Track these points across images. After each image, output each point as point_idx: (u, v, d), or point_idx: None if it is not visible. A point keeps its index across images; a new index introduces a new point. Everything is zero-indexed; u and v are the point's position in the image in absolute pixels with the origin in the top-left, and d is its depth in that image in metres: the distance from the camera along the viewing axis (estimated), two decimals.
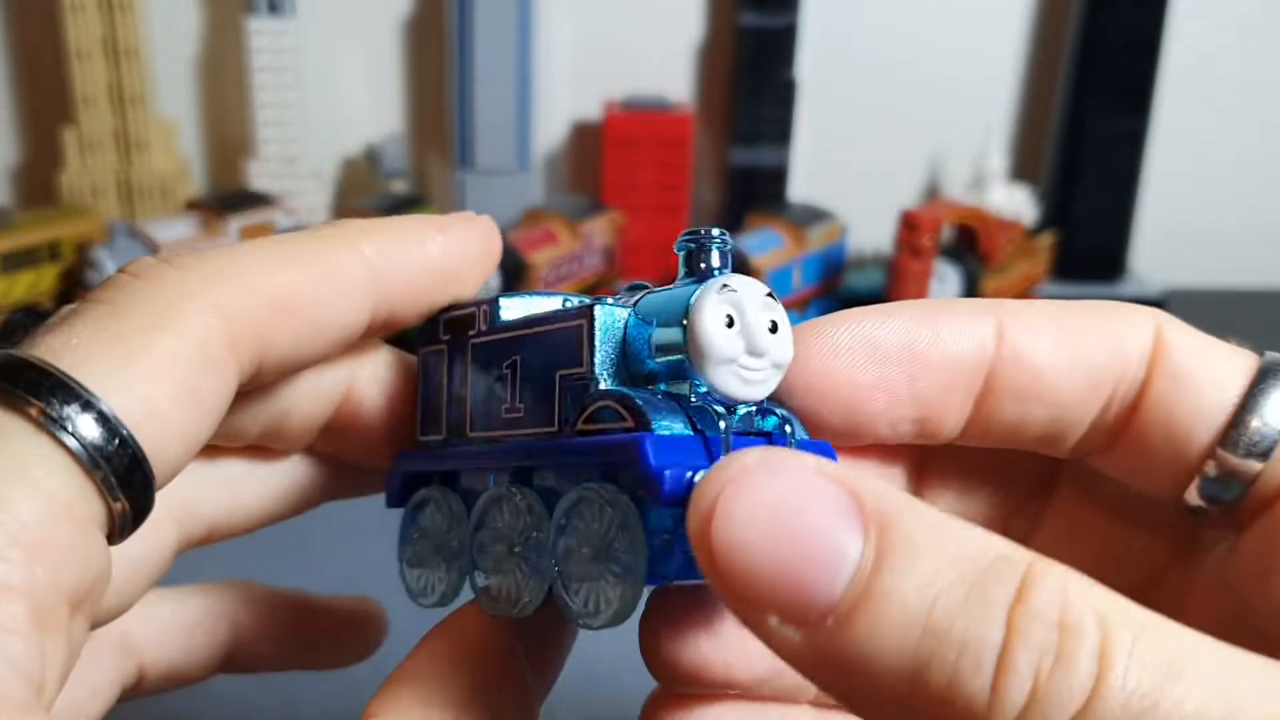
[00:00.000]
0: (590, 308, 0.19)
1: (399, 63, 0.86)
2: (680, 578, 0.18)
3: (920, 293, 0.71)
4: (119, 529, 0.19)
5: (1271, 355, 0.20)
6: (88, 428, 0.18)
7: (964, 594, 0.14)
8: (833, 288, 0.78)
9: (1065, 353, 0.20)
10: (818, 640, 0.15)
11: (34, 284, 0.71)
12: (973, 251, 0.73)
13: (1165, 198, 0.90)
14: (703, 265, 0.20)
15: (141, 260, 0.21)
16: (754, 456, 0.16)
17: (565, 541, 0.19)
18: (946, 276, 0.71)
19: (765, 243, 0.72)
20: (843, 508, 0.15)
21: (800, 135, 0.85)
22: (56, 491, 0.17)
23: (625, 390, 0.19)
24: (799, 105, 0.83)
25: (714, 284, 0.19)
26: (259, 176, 0.80)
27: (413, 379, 0.24)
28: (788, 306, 0.78)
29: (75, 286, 0.71)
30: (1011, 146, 0.91)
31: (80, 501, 0.18)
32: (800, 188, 0.87)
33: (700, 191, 0.88)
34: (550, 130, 0.87)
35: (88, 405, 0.18)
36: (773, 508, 0.15)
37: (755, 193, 0.83)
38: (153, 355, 0.19)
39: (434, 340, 0.23)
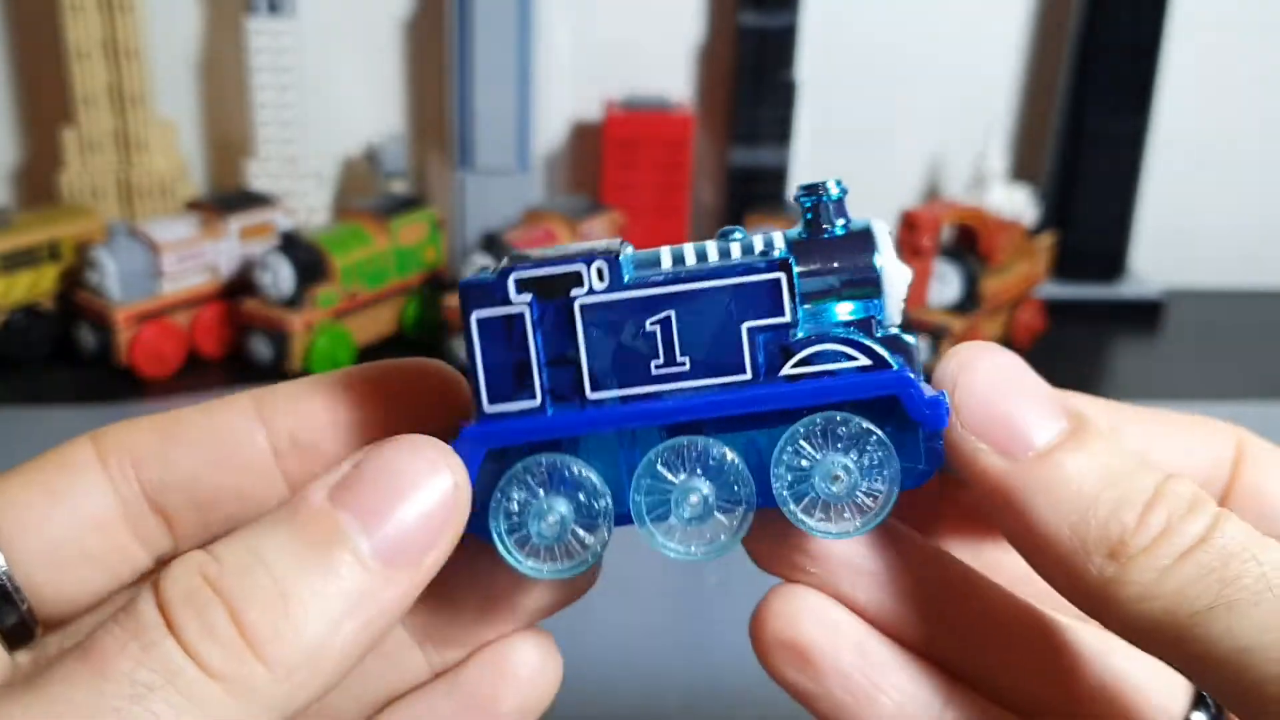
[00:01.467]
0: (786, 261, 0.20)
1: (399, 63, 0.86)
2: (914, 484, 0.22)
3: (920, 292, 0.71)
4: (12, 644, 0.21)
5: None
6: None
7: (1130, 467, 0.20)
8: None
9: (1156, 446, 0.24)
10: (1015, 468, 0.20)
11: (34, 284, 0.71)
12: (973, 251, 0.73)
13: (1165, 198, 0.90)
14: (836, 218, 0.21)
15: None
16: (994, 346, 0.21)
17: (799, 463, 0.21)
18: (946, 276, 0.71)
19: None
20: (1052, 397, 0.21)
21: (800, 135, 0.85)
22: None
23: (840, 333, 0.21)
24: (799, 105, 0.83)
25: (881, 225, 0.21)
26: (259, 176, 0.80)
27: None
28: None
29: (75, 287, 0.71)
30: (1011, 146, 0.91)
31: None
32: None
33: (700, 191, 0.88)
34: (550, 130, 0.87)
35: None
36: (1005, 369, 0.21)
37: (755, 193, 0.83)
38: (41, 506, 0.22)
39: (492, 302, 0.21)
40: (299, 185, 0.81)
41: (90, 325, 0.69)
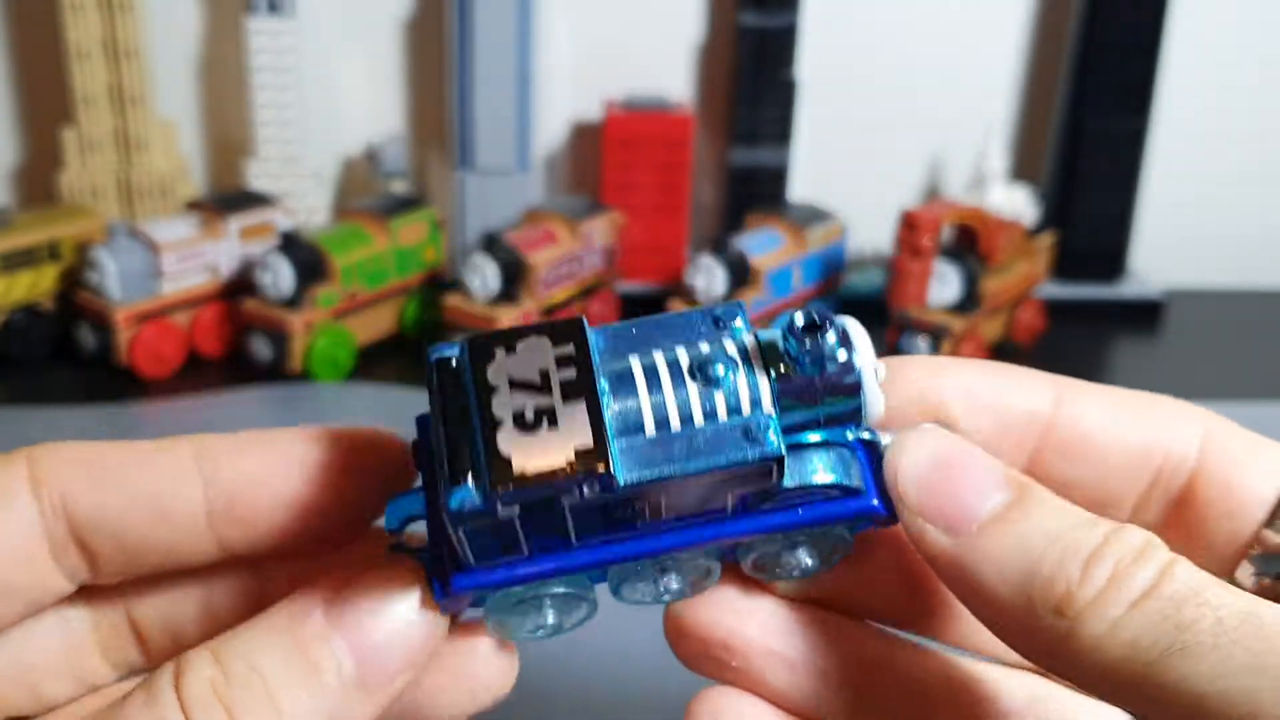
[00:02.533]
0: (780, 458, 0.20)
1: (399, 63, 0.86)
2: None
3: (920, 293, 0.71)
4: None
5: None
6: None
7: (1075, 523, 0.20)
8: (833, 288, 0.78)
9: (1115, 426, 0.24)
10: (961, 543, 0.20)
11: (34, 284, 0.71)
12: (973, 251, 0.73)
13: (1165, 198, 0.90)
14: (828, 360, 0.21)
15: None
16: (927, 427, 0.22)
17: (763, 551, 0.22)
18: (946, 276, 0.71)
19: (765, 243, 0.72)
20: (996, 468, 0.21)
21: (800, 135, 0.85)
22: None
23: (818, 483, 0.21)
24: (799, 105, 0.83)
25: (867, 358, 0.22)
26: (259, 176, 0.80)
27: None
28: (788, 306, 0.78)
29: (75, 287, 0.71)
30: (1011, 146, 0.91)
31: None
32: (800, 188, 0.87)
33: (700, 191, 0.88)
34: (550, 130, 0.87)
35: None
36: (944, 449, 0.21)
37: (755, 193, 0.83)
38: None
39: (479, 519, 0.20)
40: (299, 185, 0.81)
41: (90, 325, 0.69)
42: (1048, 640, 0.19)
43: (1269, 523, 0.22)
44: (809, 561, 0.23)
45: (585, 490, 0.19)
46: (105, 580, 0.23)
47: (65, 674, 0.24)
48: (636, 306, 0.79)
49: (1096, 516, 0.20)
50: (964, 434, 0.23)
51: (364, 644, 0.20)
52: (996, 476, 0.21)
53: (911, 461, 0.21)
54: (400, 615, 0.21)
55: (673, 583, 0.23)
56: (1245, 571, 0.23)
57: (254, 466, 0.22)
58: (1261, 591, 0.23)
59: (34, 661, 0.24)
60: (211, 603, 0.24)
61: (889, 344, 0.73)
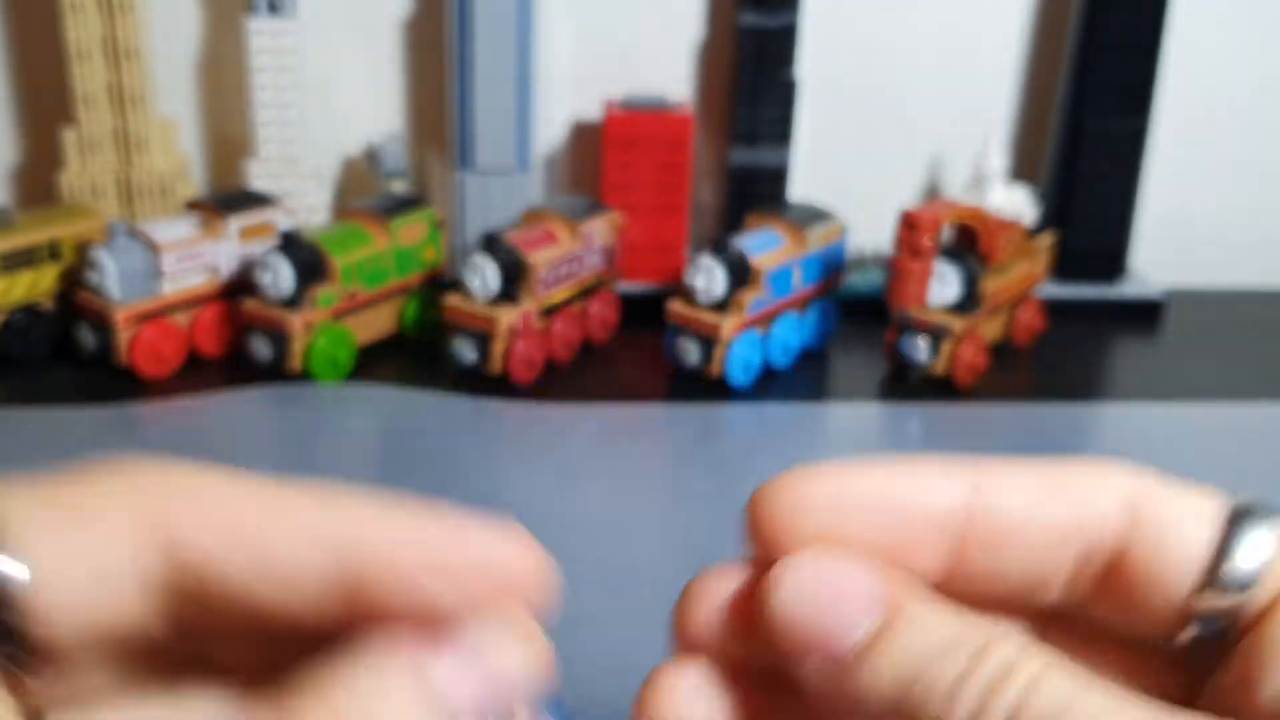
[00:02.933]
0: None
1: (399, 63, 0.86)
2: None
3: (920, 293, 0.71)
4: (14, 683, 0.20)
5: (1240, 501, 0.23)
6: None
7: (942, 648, 0.20)
8: (833, 288, 0.78)
9: (1036, 509, 0.23)
10: (838, 674, 0.21)
11: (34, 284, 0.71)
12: (973, 251, 0.73)
13: (1165, 198, 0.90)
14: None
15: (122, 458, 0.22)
16: (809, 552, 0.22)
17: None
18: (946, 276, 0.71)
19: (765, 243, 0.72)
20: (867, 589, 0.21)
21: (800, 135, 0.85)
22: None
23: None
24: (799, 105, 0.83)
25: None
26: (259, 176, 0.80)
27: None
28: (788, 306, 0.78)
29: (75, 286, 0.71)
30: (1011, 146, 0.91)
31: None
32: (800, 188, 0.87)
33: (700, 191, 0.88)
34: (550, 130, 0.87)
35: None
36: (812, 578, 0.21)
37: (755, 193, 0.83)
38: (70, 537, 0.20)
39: None
40: (299, 185, 0.81)
41: (90, 325, 0.69)
42: None
43: (1202, 585, 0.22)
44: None
45: None
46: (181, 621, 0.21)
47: None
48: (637, 306, 0.79)
49: (969, 628, 0.20)
50: (869, 546, 0.22)
51: None
52: (868, 600, 0.21)
53: (783, 596, 0.21)
54: None
55: None
56: (1183, 635, 0.22)
57: (404, 562, 0.20)
58: (1201, 655, 0.22)
59: None
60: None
61: (889, 344, 0.73)
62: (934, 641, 0.20)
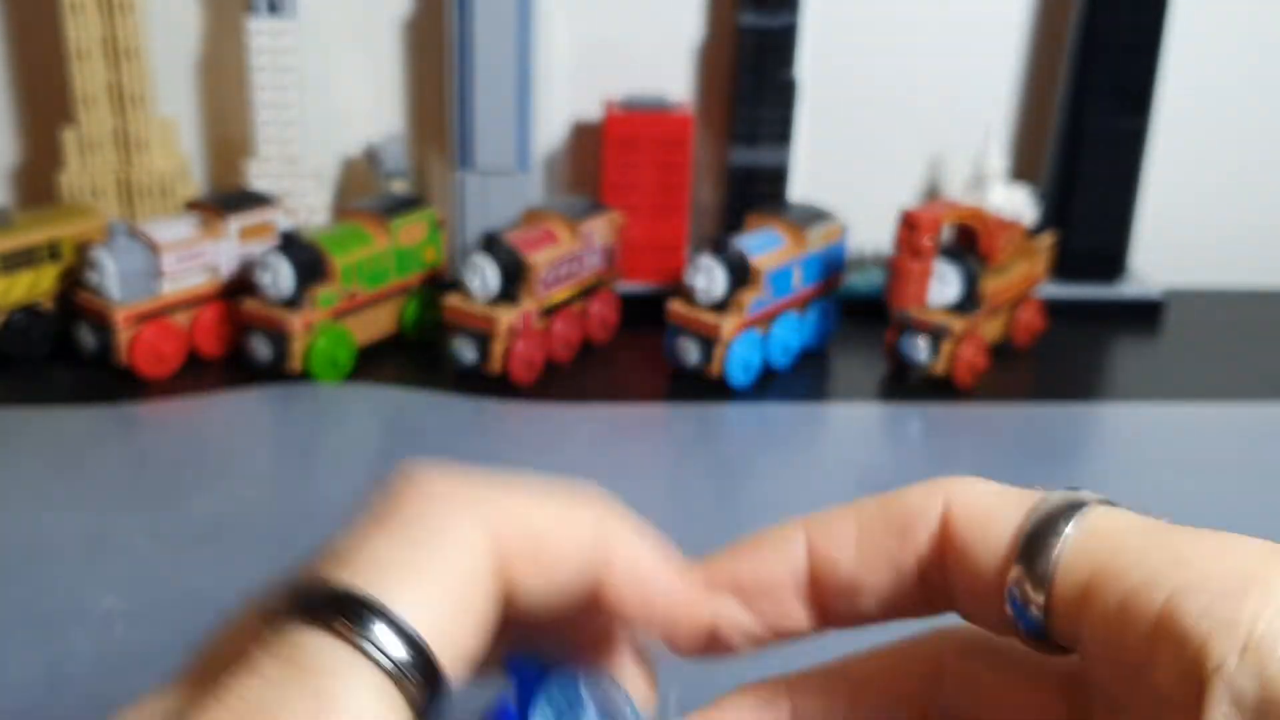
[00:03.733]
0: None
1: (399, 63, 0.86)
2: None
3: (920, 293, 0.71)
4: None
5: (1044, 499, 0.23)
6: (397, 650, 0.20)
7: None
8: (833, 288, 0.78)
9: (864, 550, 0.24)
10: None
11: (34, 284, 0.71)
12: (973, 251, 0.73)
13: (1165, 198, 0.90)
14: None
15: (422, 471, 0.22)
16: None
17: None
18: (946, 276, 0.71)
19: (765, 243, 0.72)
20: None
21: (800, 135, 0.85)
22: (379, 710, 0.19)
23: None
24: (799, 105, 0.83)
25: None
26: (259, 176, 0.80)
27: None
28: (788, 306, 0.78)
29: (75, 286, 0.71)
30: (1011, 146, 0.91)
31: (396, 716, 0.20)
32: (800, 188, 0.87)
33: (700, 191, 0.88)
34: (550, 130, 0.87)
35: (398, 629, 0.20)
36: None
37: (755, 193, 0.83)
38: (440, 574, 0.21)
39: None
40: (299, 185, 0.81)
41: (90, 325, 0.69)
42: None
43: (1009, 585, 0.22)
44: None
45: None
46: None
47: None
48: (637, 306, 0.79)
49: None
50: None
51: None
52: None
53: None
54: None
55: None
56: (1013, 629, 0.23)
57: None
58: (1041, 647, 0.23)
59: None
60: None
61: (889, 343, 0.73)
62: None
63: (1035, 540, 0.22)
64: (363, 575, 0.20)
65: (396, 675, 0.19)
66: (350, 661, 0.19)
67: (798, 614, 0.25)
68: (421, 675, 0.20)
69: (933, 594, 0.24)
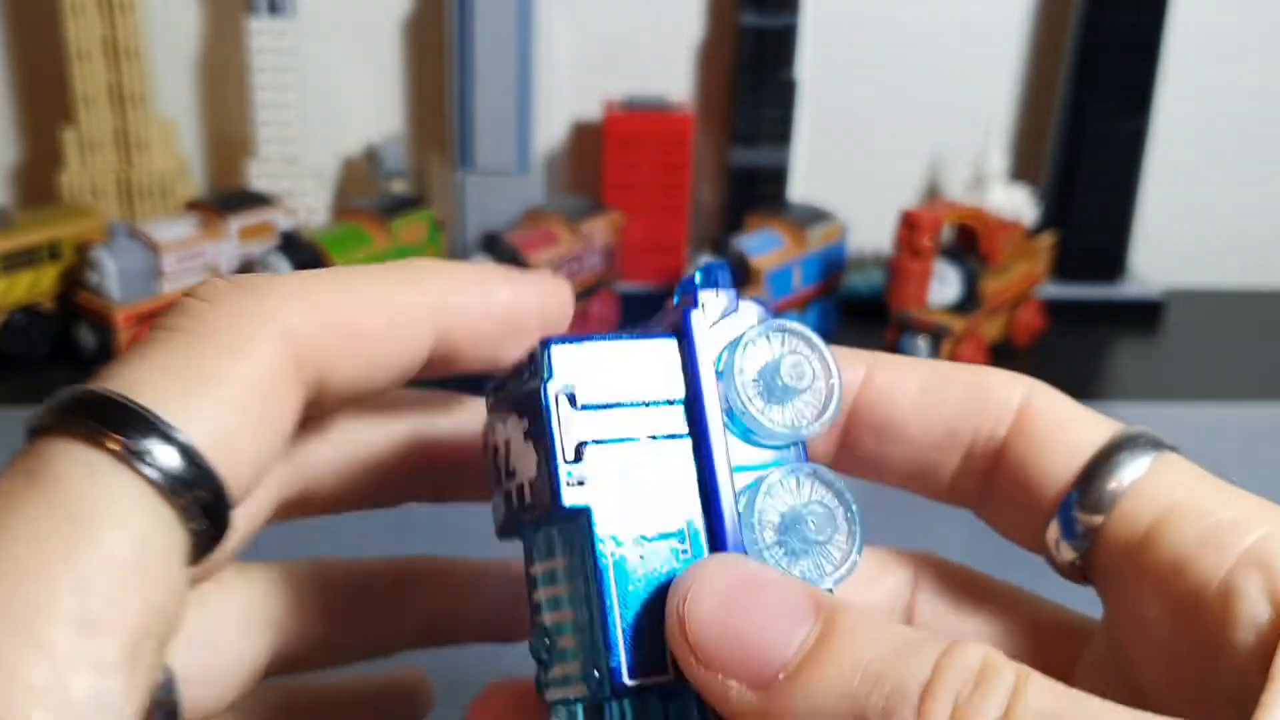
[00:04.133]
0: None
1: (399, 63, 0.86)
2: None
3: (920, 293, 0.71)
4: (197, 556, 0.19)
5: (1129, 428, 0.22)
6: (168, 459, 0.18)
7: (897, 653, 0.17)
8: (833, 288, 0.78)
9: (925, 400, 0.23)
10: (770, 697, 0.18)
11: (34, 284, 0.71)
12: (973, 251, 0.73)
13: (1165, 198, 0.90)
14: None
15: (211, 282, 0.21)
16: (718, 558, 0.19)
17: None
18: (946, 276, 0.71)
19: (765, 243, 0.72)
20: (796, 593, 0.19)
21: (800, 135, 0.85)
22: (142, 525, 0.18)
23: None
24: (799, 105, 0.83)
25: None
26: (259, 176, 0.80)
27: None
28: (788, 306, 0.78)
29: (75, 286, 0.71)
30: (1011, 146, 0.91)
31: (164, 533, 0.18)
32: (800, 188, 0.87)
33: (700, 191, 0.88)
34: (550, 130, 0.87)
35: (167, 438, 0.18)
36: (731, 585, 0.19)
37: (755, 193, 0.83)
38: (224, 382, 0.19)
39: None
40: (299, 185, 0.81)
41: (90, 325, 0.69)
42: None
43: (1069, 499, 0.22)
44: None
45: None
46: (325, 405, 0.22)
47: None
48: (637, 306, 0.79)
49: (919, 635, 0.18)
50: None
51: None
52: (798, 606, 0.18)
53: (697, 608, 0.18)
54: None
55: None
56: (1049, 545, 0.22)
57: (469, 282, 0.23)
58: (1065, 570, 0.23)
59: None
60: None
61: (889, 344, 0.73)
62: (885, 650, 0.17)
63: (1112, 462, 0.22)
64: (133, 386, 0.18)
65: (165, 487, 0.18)
66: (108, 470, 0.18)
67: (820, 442, 0.24)
68: (199, 489, 0.18)
69: (968, 478, 0.23)
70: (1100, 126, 0.84)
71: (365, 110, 0.86)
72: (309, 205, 0.81)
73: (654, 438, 0.20)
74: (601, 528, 0.19)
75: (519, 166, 0.80)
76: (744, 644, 0.18)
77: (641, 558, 0.20)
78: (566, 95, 0.86)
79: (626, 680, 0.19)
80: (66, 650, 0.16)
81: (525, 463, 0.20)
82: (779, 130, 0.82)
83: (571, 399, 0.20)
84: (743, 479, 0.20)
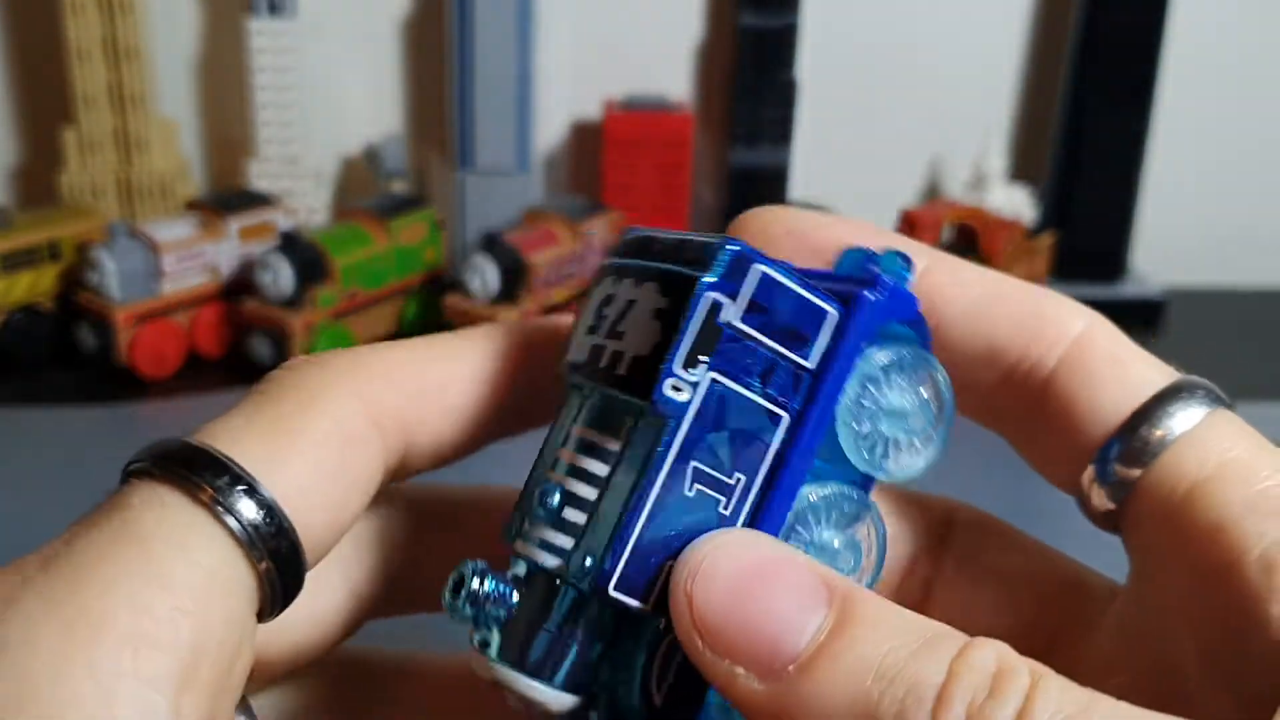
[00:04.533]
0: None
1: (399, 63, 0.86)
2: None
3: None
4: (270, 607, 0.19)
5: (1192, 377, 0.21)
6: (248, 510, 0.18)
7: (911, 650, 0.17)
8: None
9: (976, 312, 0.22)
10: (779, 688, 0.17)
11: (34, 284, 0.71)
12: (973, 251, 0.73)
13: (1165, 197, 0.90)
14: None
15: (293, 359, 0.22)
16: (736, 533, 0.19)
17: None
18: None
19: None
20: (811, 579, 0.18)
21: (800, 135, 0.85)
22: (213, 565, 0.18)
23: None
24: (799, 105, 0.83)
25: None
26: (259, 176, 0.80)
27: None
28: None
29: (75, 286, 0.71)
30: (1011, 146, 0.91)
31: (235, 576, 0.18)
32: (800, 188, 0.87)
33: (700, 191, 0.88)
34: (550, 130, 0.87)
35: (250, 490, 0.19)
36: (744, 565, 0.18)
37: (755, 193, 0.83)
38: (300, 437, 0.20)
39: None
40: (299, 185, 0.81)
41: (90, 325, 0.69)
42: None
43: (1111, 443, 0.21)
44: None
45: None
46: (416, 463, 0.22)
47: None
48: None
49: (936, 629, 0.17)
50: None
51: None
52: (812, 591, 0.18)
53: (707, 587, 0.18)
54: None
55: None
56: (1083, 489, 0.21)
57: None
58: (1097, 518, 0.21)
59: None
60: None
61: None
62: (898, 644, 0.17)
63: (1164, 410, 0.20)
64: (223, 440, 0.19)
65: (243, 537, 0.18)
66: (178, 502, 0.18)
67: None
68: (273, 543, 0.18)
69: (1006, 401, 0.22)
70: (1100, 126, 0.84)
71: (365, 110, 0.86)
72: (309, 205, 0.81)
73: (765, 392, 0.20)
74: (675, 444, 0.19)
75: (519, 166, 0.80)
76: (754, 631, 0.17)
77: (687, 494, 0.19)
78: (566, 95, 0.86)
79: (610, 590, 0.19)
80: (114, 662, 0.17)
81: (638, 335, 0.19)
82: (779, 130, 0.82)
83: (719, 309, 0.19)
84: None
